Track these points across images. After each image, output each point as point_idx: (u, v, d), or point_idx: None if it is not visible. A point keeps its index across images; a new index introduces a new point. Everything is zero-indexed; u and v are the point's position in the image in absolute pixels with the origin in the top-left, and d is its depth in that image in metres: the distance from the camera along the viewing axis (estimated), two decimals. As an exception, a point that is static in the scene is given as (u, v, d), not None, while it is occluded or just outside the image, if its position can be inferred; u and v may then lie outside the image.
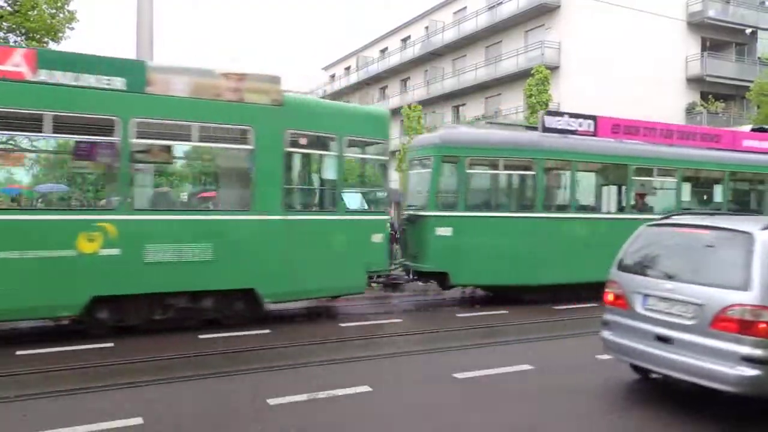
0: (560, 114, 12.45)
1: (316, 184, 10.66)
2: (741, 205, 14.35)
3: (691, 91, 31.68)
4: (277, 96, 8.84)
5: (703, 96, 31.47)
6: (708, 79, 30.87)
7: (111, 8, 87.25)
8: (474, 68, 34.15)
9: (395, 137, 29.97)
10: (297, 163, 10.26)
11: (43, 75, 7.39)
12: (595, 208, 13.17)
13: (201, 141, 8.69)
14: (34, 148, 10.40)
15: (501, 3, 32.56)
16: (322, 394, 5.72)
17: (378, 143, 10.35)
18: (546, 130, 11.68)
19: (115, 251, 7.71)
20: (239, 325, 8.65)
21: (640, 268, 5.87)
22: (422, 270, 11.18)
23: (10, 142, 9.44)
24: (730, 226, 5.45)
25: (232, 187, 9.49)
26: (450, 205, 11.19)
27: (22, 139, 9.30)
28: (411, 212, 11.58)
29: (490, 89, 33.28)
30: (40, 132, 7.57)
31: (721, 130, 15.14)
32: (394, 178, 24.67)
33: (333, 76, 53.94)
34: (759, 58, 30.26)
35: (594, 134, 12.12)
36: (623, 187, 12.79)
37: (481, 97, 34.06)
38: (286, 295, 9.23)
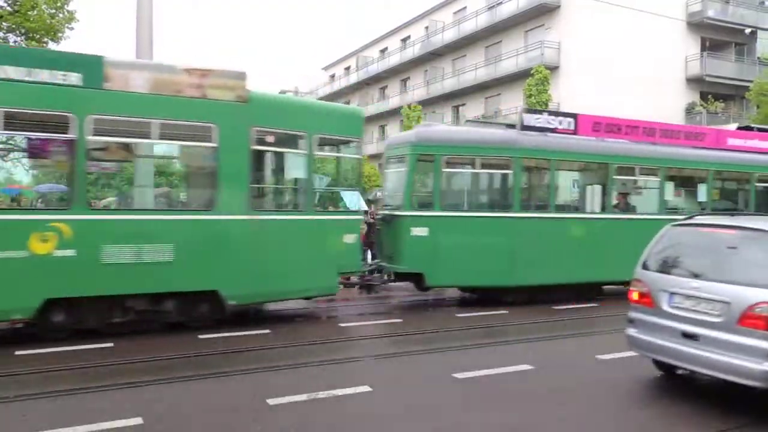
0: (539, 111, 12.14)
1: (285, 183, 10.45)
2: (725, 204, 14.10)
3: (690, 91, 31.69)
4: (242, 92, 8.56)
5: (703, 96, 31.48)
6: (707, 79, 30.88)
7: (111, 8, 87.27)
8: (474, 68, 34.18)
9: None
10: (264, 161, 10.06)
11: None
12: (575, 208, 12.97)
13: (162, 138, 8.43)
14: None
15: (501, 3, 32.57)
16: (322, 394, 5.71)
17: (351, 141, 10.15)
18: (524, 128, 11.38)
19: (70, 252, 7.44)
20: (239, 325, 8.64)
21: (666, 267, 6.01)
22: (398, 271, 10.95)
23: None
24: (755, 226, 5.60)
25: (195, 186, 9.20)
26: (426, 204, 11.01)
27: None
28: (386, 212, 11.35)
29: (489, 89, 33.31)
30: None
31: (705, 129, 14.90)
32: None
33: (333, 76, 53.98)
34: (758, 58, 30.29)
35: (574, 132, 11.83)
36: (604, 187, 12.43)
37: (481, 97, 34.08)
38: (252, 297, 8.92)
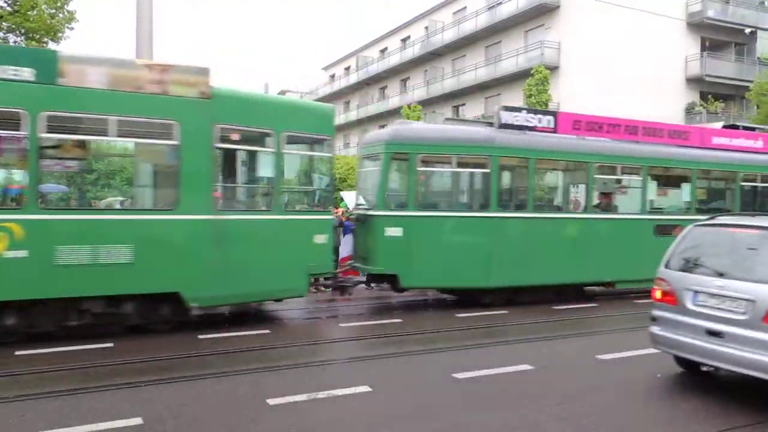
0: (518, 109, 11.91)
1: (252, 182, 10.22)
2: (710, 203, 13.97)
3: (690, 91, 31.69)
4: (205, 89, 8.29)
5: (703, 96, 31.47)
6: (707, 79, 30.87)
7: (111, 8, 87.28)
8: (474, 68, 34.16)
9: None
10: (230, 160, 9.89)
11: None
12: (554, 208, 12.74)
13: (120, 136, 8.14)
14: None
15: (501, 3, 32.56)
16: (322, 394, 5.72)
17: (322, 139, 9.91)
18: (502, 126, 11.12)
19: (21, 253, 7.22)
20: (239, 325, 8.64)
21: (690, 266, 6.11)
22: (372, 272, 10.70)
23: None
24: None
25: (156, 185, 9.00)
26: (400, 204, 10.71)
27: None
28: (360, 212, 11.15)
29: (489, 89, 33.29)
30: None
31: (689, 127, 14.72)
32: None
33: (333, 76, 53.98)
34: (758, 57, 30.29)
35: (554, 131, 11.57)
36: (584, 186, 12.15)
37: (481, 97, 34.07)
38: (216, 300, 8.69)
